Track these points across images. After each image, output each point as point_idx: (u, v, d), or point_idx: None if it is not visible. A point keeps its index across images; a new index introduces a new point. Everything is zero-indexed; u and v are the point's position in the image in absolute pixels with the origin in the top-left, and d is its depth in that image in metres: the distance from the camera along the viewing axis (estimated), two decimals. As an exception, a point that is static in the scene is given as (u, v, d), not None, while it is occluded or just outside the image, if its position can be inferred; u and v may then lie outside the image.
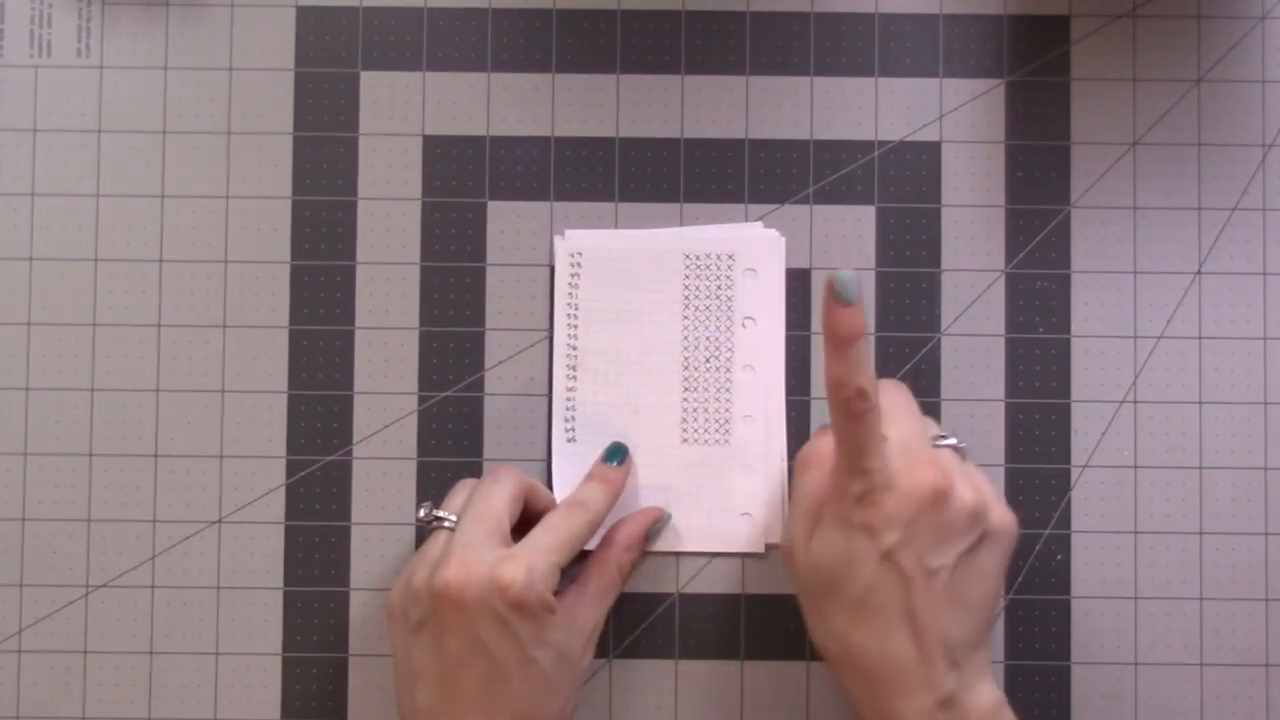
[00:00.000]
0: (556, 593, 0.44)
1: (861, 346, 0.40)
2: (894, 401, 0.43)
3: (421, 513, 0.45)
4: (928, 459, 0.41)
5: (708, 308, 0.50)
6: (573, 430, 0.49)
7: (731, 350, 0.49)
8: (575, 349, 0.49)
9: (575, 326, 0.49)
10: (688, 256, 0.50)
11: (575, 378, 0.49)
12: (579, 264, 0.49)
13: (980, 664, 0.42)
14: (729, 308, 0.50)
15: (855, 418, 0.40)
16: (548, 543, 0.43)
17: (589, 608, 0.45)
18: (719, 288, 0.50)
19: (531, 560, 0.42)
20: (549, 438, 0.50)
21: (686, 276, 0.50)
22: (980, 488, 0.42)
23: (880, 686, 0.40)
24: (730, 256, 0.50)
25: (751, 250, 0.50)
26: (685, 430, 0.49)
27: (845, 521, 0.40)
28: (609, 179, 0.51)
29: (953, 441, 0.43)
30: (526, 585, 0.41)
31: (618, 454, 0.48)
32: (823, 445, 0.43)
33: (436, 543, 0.44)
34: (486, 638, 0.41)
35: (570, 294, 0.49)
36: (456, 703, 0.41)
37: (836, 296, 0.39)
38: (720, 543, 0.49)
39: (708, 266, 0.50)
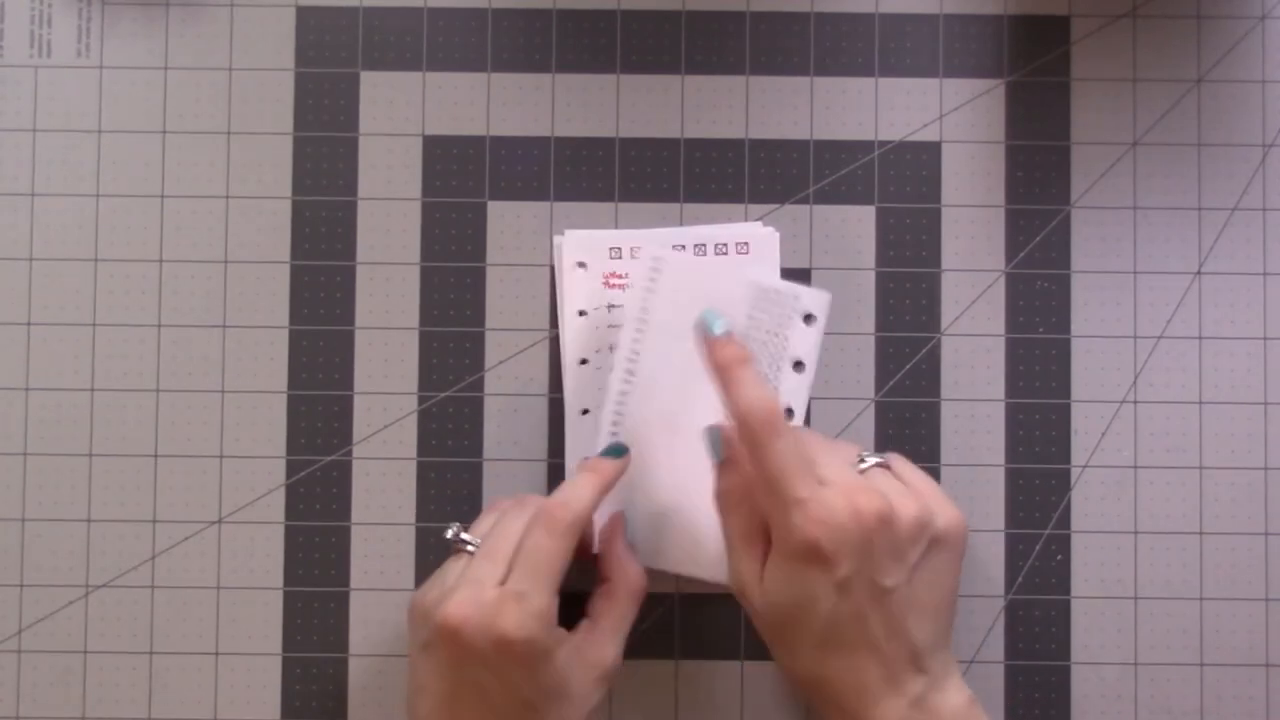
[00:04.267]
0: (572, 624, 0.44)
1: (748, 370, 0.42)
2: (808, 439, 0.44)
3: (449, 533, 0.45)
4: (861, 485, 0.41)
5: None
6: (617, 436, 0.48)
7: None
8: (638, 354, 0.48)
9: (642, 333, 0.48)
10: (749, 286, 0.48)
11: (631, 382, 0.47)
12: (657, 270, 0.48)
13: (944, 662, 0.42)
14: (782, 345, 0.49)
15: (771, 440, 0.41)
16: (538, 574, 0.41)
17: (601, 644, 0.44)
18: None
19: (527, 608, 0.41)
20: (549, 438, 0.50)
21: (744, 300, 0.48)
22: (921, 495, 0.42)
23: (853, 702, 0.41)
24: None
25: (750, 248, 0.50)
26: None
27: (793, 560, 0.40)
28: (609, 179, 0.51)
29: (876, 460, 0.44)
30: (525, 640, 0.40)
31: (616, 451, 0.47)
32: (734, 484, 0.43)
33: (455, 567, 0.44)
34: (482, 680, 0.41)
35: (645, 300, 0.48)
36: None
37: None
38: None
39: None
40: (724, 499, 0.44)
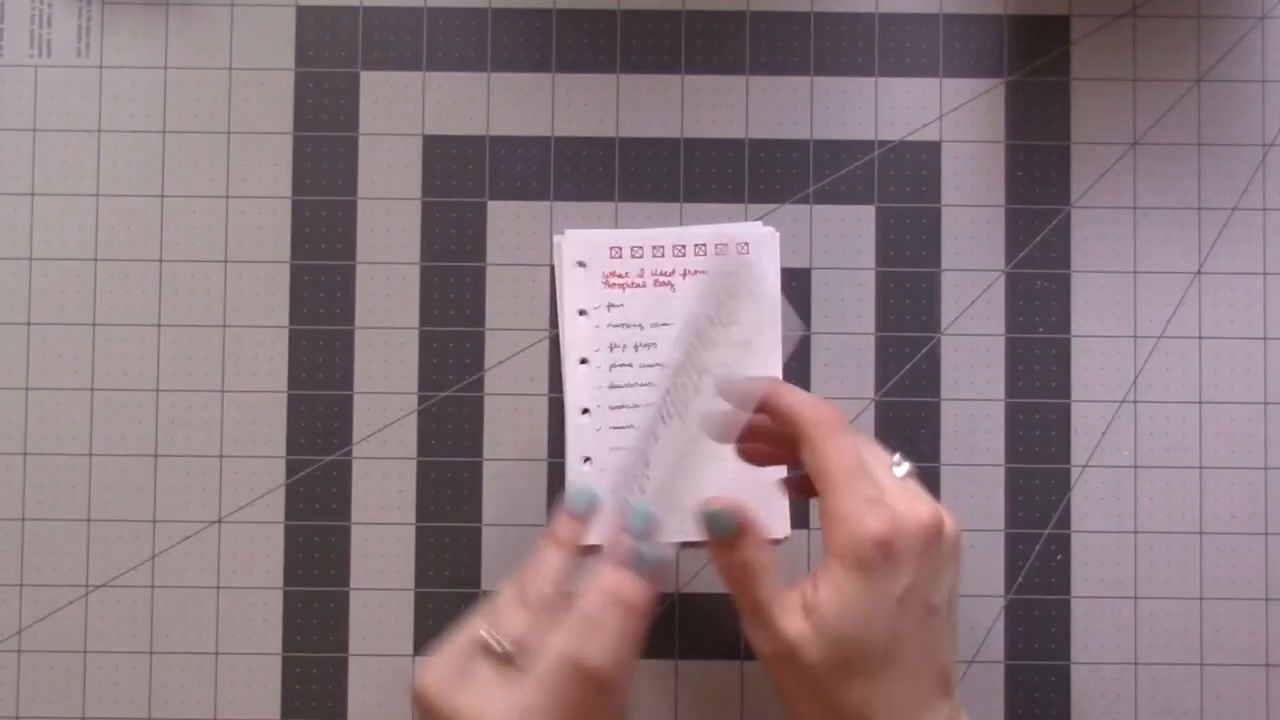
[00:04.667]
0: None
1: (785, 387, 0.41)
2: (847, 442, 0.40)
3: (487, 636, 0.39)
4: (914, 494, 0.39)
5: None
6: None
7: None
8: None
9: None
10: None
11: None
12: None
13: (958, 684, 0.41)
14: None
15: (835, 439, 0.39)
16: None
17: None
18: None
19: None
20: (549, 438, 0.50)
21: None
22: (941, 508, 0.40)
23: None
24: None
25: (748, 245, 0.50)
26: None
27: (859, 568, 0.38)
28: (609, 179, 0.51)
29: (908, 467, 0.41)
30: None
31: (583, 498, 0.42)
32: (749, 554, 0.40)
33: (483, 668, 0.39)
34: None
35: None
36: None
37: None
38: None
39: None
40: (743, 570, 0.40)
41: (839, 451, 0.39)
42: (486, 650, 0.39)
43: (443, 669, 0.39)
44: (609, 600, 0.39)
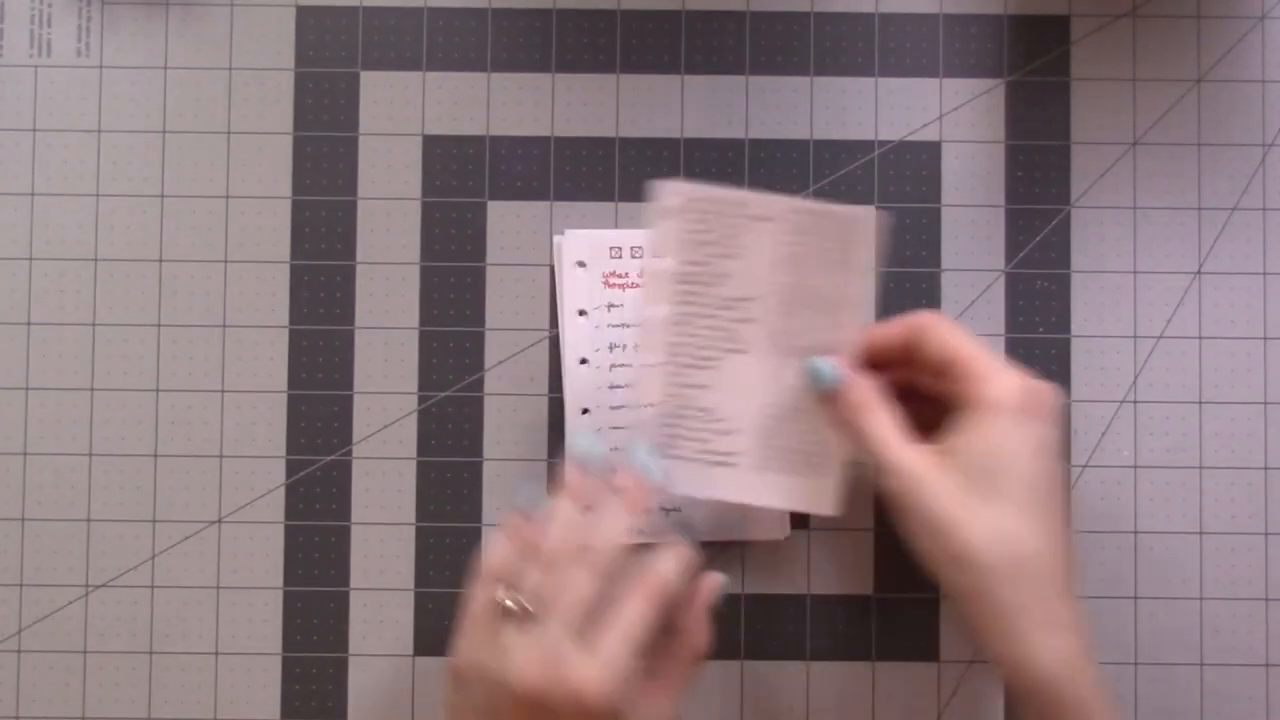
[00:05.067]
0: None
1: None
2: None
3: (505, 599, 0.41)
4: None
5: None
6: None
7: None
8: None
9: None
10: None
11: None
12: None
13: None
14: None
15: (962, 332, 0.43)
16: (633, 641, 0.41)
17: (663, 702, 0.42)
18: None
19: (613, 672, 0.40)
20: (549, 438, 0.50)
21: None
22: None
23: (1045, 588, 0.41)
24: None
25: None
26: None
27: (1003, 412, 0.42)
28: (609, 179, 0.51)
29: None
30: (606, 703, 0.39)
31: (587, 451, 0.44)
32: (863, 393, 0.44)
33: (507, 628, 0.41)
34: None
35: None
36: None
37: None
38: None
39: None
40: (860, 409, 0.44)
41: (963, 334, 0.43)
42: (508, 614, 0.41)
43: (474, 644, 0.41)
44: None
